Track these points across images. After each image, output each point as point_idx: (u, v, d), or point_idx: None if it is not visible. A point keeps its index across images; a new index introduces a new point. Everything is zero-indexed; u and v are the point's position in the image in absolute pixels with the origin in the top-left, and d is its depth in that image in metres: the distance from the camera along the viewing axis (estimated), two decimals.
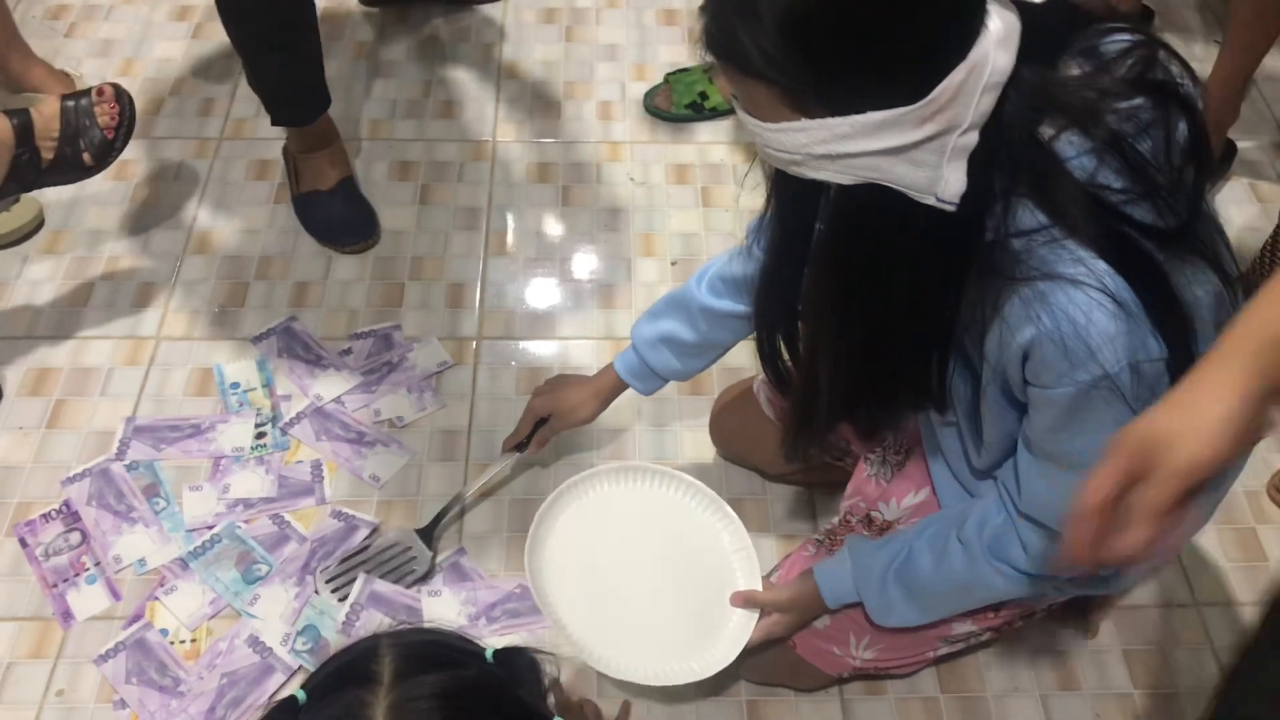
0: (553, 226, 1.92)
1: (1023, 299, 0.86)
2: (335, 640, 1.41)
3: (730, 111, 2.10)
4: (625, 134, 2.06)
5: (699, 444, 1.62)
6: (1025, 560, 1.05)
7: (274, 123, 1.83)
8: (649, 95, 2.10)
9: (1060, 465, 0.96)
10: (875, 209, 0.85)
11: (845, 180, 0.84)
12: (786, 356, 1.17)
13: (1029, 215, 0.86)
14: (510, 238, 1.89)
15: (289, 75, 1.77)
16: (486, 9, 2.29)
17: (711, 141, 2.05)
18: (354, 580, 1.44)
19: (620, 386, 1.41)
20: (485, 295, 1.80)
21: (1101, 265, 0.84)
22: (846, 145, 0.81)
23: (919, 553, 1.13)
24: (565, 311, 1.79)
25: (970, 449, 1.11)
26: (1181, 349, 0.86)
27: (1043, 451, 0.97)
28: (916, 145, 0.80)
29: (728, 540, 1.34)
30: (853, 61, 0.78)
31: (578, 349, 1.73)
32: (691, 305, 1.32)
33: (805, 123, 0.82)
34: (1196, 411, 0.70)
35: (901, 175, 0.82)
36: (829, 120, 0.80)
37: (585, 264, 1.86)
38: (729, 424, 1.57)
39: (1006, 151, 0.83)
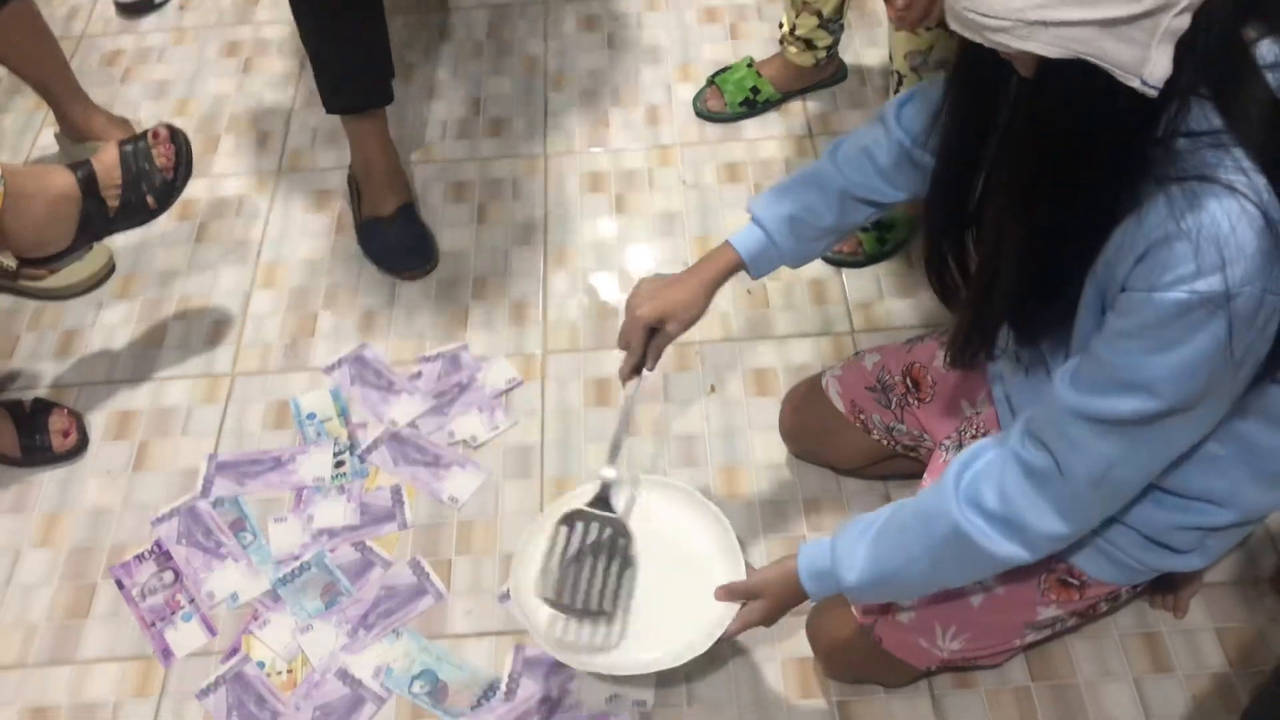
0: (609, 235, 1.93)
1: (1169, 197, 0.84)
2: (455, 681, 1.43)
3: (781, 100, 2.08)
4: (674, 137, 2.07)
5: (770, 446, 1.62)
6: (994, 499, 1.01)
7: (329, 109, 1.84)
8: (698, 99, 2.10)
9: (1107, 378, 0.92)
10: (1077, 87, 0.83)
11: (1053, 53, 0.82)
12: (953, 265, 1.15)
13: (1203, 118, 0.85)
14: (568, 250, 1.90)
15: (352, 57, 1.79)
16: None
17: (761, 138, 2.05)
18: (582, 592, 1.28)
19: (731, 269, 1.32)
20: (548, 309, 1.82)
21: (1262, 181, 0.82)
22: (1063, 11, 0.79)
23: (900, 507, 1.11)
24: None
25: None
26: None
27: (1096, 357, 0.94)
28: (1132, 20, 0.78)
29: (708, 537, 1.31)
30: None
31: None
32: (829, 186, 1.28)
33: None
34: None
35: (1111, 51, 0.80)
36: None
37: (643, 270, 1.87)
38: (800, 421, 1.57)
39: (1204, 45, 0.80)
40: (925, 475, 1.33)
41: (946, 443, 1.32)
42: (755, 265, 1.31)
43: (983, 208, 1.08)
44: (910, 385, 1.41)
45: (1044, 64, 0.83)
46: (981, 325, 1.09)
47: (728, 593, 1.25)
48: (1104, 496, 1.01)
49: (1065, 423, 0.97)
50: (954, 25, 0.87)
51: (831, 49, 2.03)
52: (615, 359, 1.74)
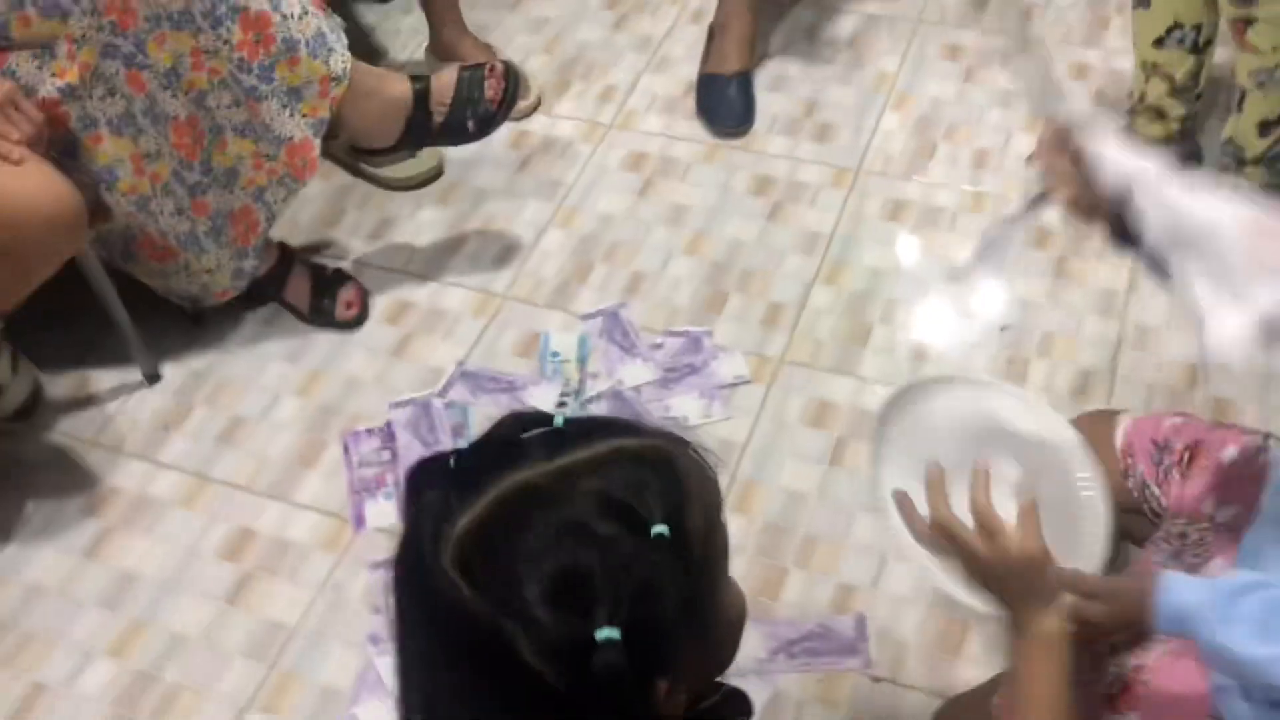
0: (890, 266, 1.90)
1: None
2: None
3: None
4: (995, 186, 1.99)
5: None
6: None
7: None
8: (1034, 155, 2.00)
9: None
10: None
11: None
12: None
13: None
14: (844, 269, 1.89)
15: None
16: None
17: None
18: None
19: None
20: (800, 320, 1.82)
21: None
22: None
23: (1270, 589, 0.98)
24: (874, 354, 1.77)
25: None
26: None
27: None
28: None
29: (1086, 503, 1.19)
30: None
31: (874, 393, 1.71)
32: None
33: None
34: None
35: None
36: None
37: (910, 312, 1.83)
38: None
39: None
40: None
41: (1161, 541, 1.22)
42: None
43: None
44: (1186, 458, 1.31)
45: None
46: None
47: (1068, 581, 1.14)
48: None
49: None
50: None
51: (1186, 123, 1.88)
52: (847, 387, 1.73)
